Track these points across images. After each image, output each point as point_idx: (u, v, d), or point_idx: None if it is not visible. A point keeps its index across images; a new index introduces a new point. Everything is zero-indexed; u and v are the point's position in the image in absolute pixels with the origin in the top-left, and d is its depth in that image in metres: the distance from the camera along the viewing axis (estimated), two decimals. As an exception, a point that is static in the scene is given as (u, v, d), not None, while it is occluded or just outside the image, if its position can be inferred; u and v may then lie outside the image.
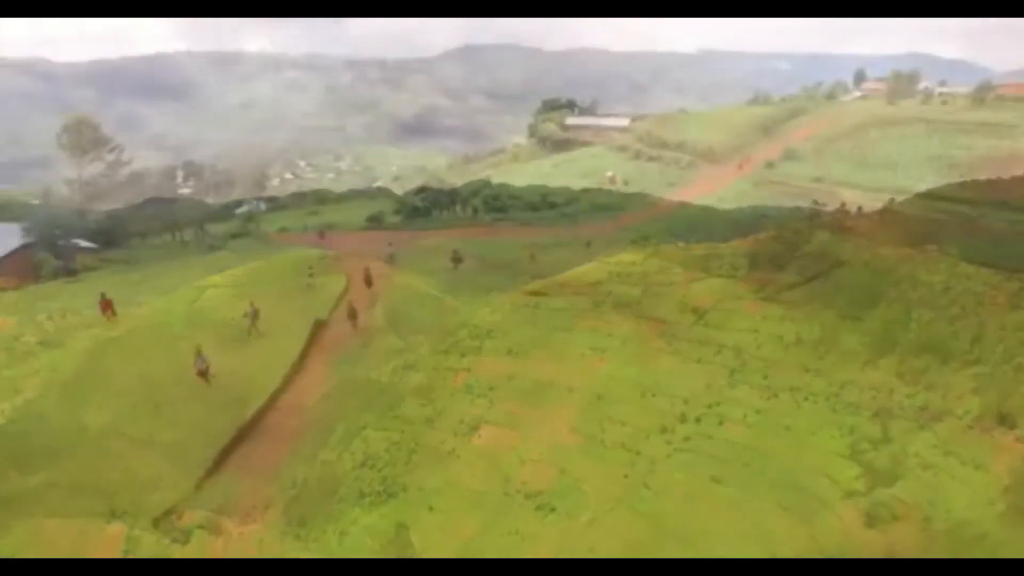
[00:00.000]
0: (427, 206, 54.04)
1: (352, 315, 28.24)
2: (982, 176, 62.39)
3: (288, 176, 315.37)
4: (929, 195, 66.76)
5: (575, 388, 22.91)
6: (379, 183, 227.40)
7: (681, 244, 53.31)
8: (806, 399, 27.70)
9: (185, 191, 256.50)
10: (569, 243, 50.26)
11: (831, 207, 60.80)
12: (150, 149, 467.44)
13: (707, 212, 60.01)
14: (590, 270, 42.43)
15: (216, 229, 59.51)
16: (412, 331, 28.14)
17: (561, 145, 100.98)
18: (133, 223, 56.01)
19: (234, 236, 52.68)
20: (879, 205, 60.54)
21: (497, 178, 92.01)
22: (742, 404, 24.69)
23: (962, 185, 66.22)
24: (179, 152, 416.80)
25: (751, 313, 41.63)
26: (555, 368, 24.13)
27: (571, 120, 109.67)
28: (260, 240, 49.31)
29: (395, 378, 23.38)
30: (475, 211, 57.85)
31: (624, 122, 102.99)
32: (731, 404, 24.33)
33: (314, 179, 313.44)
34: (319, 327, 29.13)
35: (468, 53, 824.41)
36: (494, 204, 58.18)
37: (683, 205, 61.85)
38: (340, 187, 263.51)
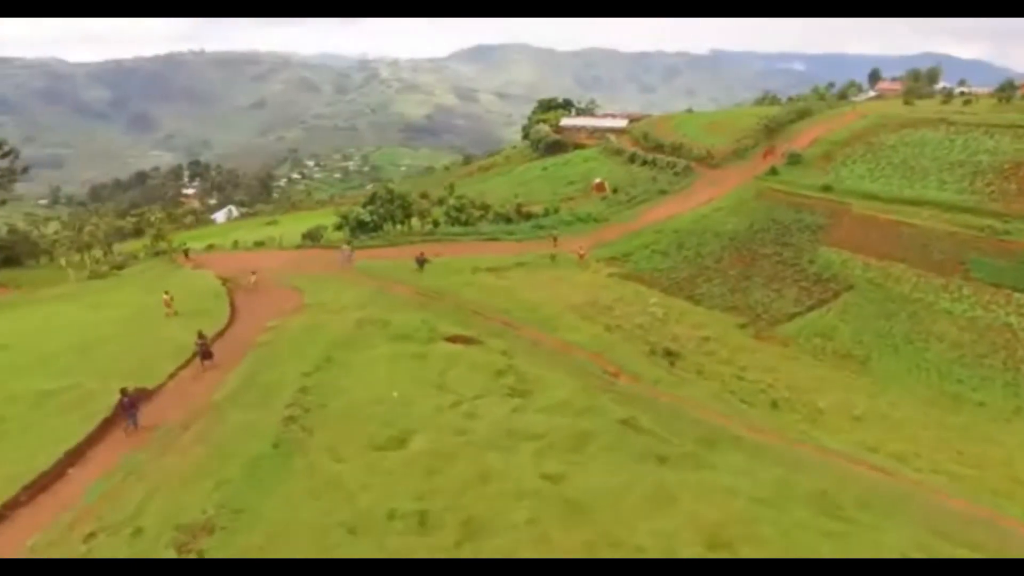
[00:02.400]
0: (376, 220, 47.49)
1: (127, 406, 18.93)
2: (1011, 185, 55.26)
3: (295, 176, 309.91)
4: (951, 206, 60.03)
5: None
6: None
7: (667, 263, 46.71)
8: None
9: (189, 191, 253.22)
10: (530, 263, 43.51)
11: (840, 219, 54.03)
12: (162, 149, 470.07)
13: (699, 224, 53.35)
14: (545, 300, 35.55)
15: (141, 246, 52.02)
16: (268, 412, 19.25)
17: (554, 147, 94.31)
18: (41, 240, 49.24)
19: (157, 254, 45.85)
20: (893, 217, 53.52)
21: (482, 183, 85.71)
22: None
23: (989, 195, 59.72)
24: (190, 151, 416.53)
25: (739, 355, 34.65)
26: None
27: (566, 121, 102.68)
28: (166, 262, 42.17)
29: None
30: (435, 224, 51.38)
31: (621, 123, 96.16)
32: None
33: (321, 179, 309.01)
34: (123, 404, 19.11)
35: (480, 53, 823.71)
36: (457, 216, 51.67)
37: (674, 216, 55.06)
38: (346, 187, 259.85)
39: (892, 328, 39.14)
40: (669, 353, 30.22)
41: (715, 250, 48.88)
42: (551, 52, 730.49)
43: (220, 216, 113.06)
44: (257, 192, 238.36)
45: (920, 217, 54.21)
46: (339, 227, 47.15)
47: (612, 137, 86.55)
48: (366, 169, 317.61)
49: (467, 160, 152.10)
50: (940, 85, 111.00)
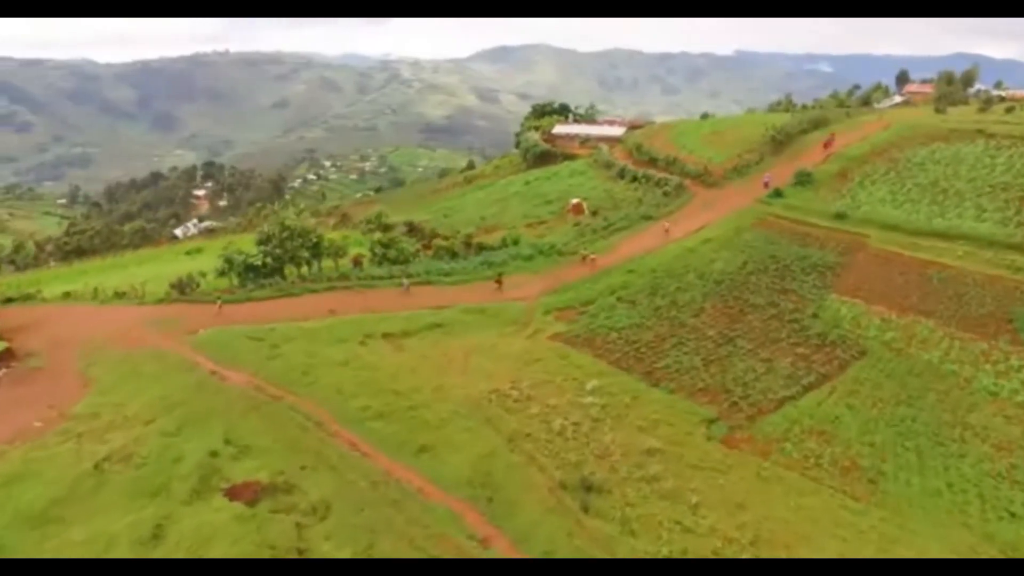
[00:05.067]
0: (272, 262, 37.75)
1: None
2: (1069, 216, 45.29)
3: (311, 177, 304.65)
4: (992, 241, 46.20)
5: None
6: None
7: (633, 317, 37.49)
8: None
9: (200, 192, 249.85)
10: (449, 323, 34.46)
11: (854, 257, 44.48)
12: (185, 148, 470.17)
13: (682, 262, 44.04)
14: (441, 389, 26.28)
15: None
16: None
17: (543, 158, 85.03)
18: None
19: (9, 301, 37.56)
20: (920, 255, 43.93)
21: (458, 199, 76.79)
22: None
23: (1041, 229, 48.58)
24: (212, 151, 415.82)
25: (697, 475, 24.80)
26: None
27: (559, 128, 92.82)
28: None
29: None
30: (357, 264, 41.76)
31: (618, 131, 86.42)
32: None
33: (337, 180, 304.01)
34: None
35: (501, 53, 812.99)
36: (384, 254, 41.70)
37: (654, 250, 45.94)
38: (361, 188, 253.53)
39: (916, 419, 29.50)
40: (588, 487, 21.22)
41: (695, 298, 39.48)
42: (573, 53, 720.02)
43: (179, 232, 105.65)
44: (269, 194, 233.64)
45: (953, 255, 44.21)
46: (223, 273, 38.17)
47: (604, 148, 76.86)
48: (383, 170, 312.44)
49: (469, 166, 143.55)
50: (975, 88, 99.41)
